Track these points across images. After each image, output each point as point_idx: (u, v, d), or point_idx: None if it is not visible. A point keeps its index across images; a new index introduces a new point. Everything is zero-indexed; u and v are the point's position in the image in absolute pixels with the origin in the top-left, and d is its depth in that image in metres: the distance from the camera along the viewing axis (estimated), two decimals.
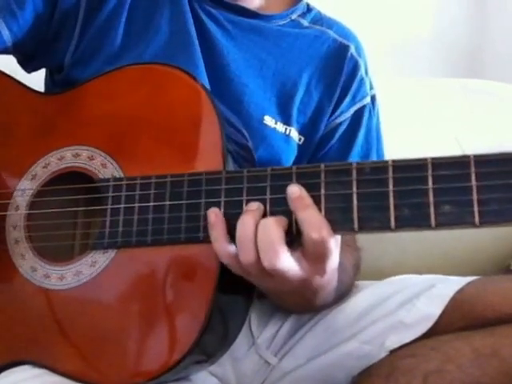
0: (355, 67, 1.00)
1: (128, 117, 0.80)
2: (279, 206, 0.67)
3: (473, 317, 0.82)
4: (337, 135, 0.99)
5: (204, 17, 0.93)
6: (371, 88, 1.03)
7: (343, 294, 0.88)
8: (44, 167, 0.82)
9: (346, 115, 0.99)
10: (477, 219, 0.60)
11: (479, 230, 0.61)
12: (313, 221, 0.65)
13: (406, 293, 0.88)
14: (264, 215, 0.67)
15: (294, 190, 0.66)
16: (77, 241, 0.85)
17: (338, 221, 0.65)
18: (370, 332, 0.87)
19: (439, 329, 0.83)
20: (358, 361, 0.86)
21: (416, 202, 0.62)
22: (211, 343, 0.74)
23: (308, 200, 0.66)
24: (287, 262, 0.66)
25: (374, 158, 1.01)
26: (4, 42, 0.88)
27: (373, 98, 1.03)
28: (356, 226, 0.64)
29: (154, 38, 0.91)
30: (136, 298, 0.74)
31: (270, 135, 0.93)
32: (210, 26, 0.93)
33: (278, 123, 0.94)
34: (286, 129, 0.95)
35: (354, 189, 0.65)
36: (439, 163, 0.62)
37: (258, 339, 0.92)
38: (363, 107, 1.01)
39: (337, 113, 0.98)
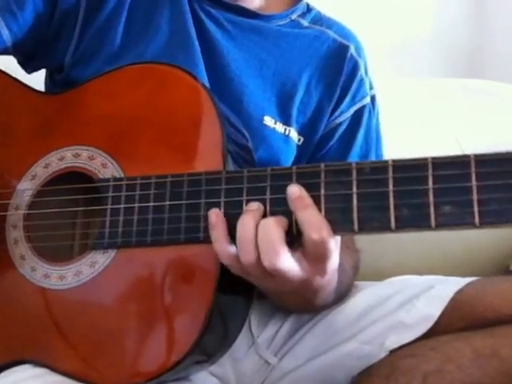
0: (355, 67, 1.00)
1: (128, 117, 0.80)
2: (279, 206, 0.67)
3: (472, 317, 0.82)
4: (336, 135, 0.99)
5: (204, 17, 0.93)
6: (371, 88, 1.03)
7: (343, 294, 0.88)
8: (44, 167, 0.82)
9: (345, 115, 0.99)
10: (477, 220, 0.60)
11: (479, 230, 0.61)
12: (313, 221, 0.65)
13: (405, 293, 0.88)
14: (264, 215, 0.67)
15: (294, 190, 0.66)
16: (76, 241, 0.85)
17: (338, 221, 0.65)
18: (369, 332, 0.87)
19: (439, 329, 0.83)
20: (358, 361, 0.86)
21: (416, 203, 0.62)
22: (211, 343, 0.74)
23: (308, 200, 0.65)
24: (288, 263, 0.66)
25: (373, 158, 1.01)
26: (4, 41, 0.88)
27: (372, 98, 1.03)
28: (356, 226, 0.64)
29: (153, 38, 0.91)
30: (136, 298, 0.74)
31: (270, 135, 0.93)
32: (210, 26, 0.93)
33: (278, 123, 0.94)
34: (285, 129, 0.95)
35: (354, 189, 0.65)
36: (439, 163, 0.62)
37: (258, 339, 0.92)
38: (363, 107, 1.01)
39: (336, 113, 0.98)
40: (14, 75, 0.90)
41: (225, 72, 0.93)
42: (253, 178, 0.69)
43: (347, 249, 0.87)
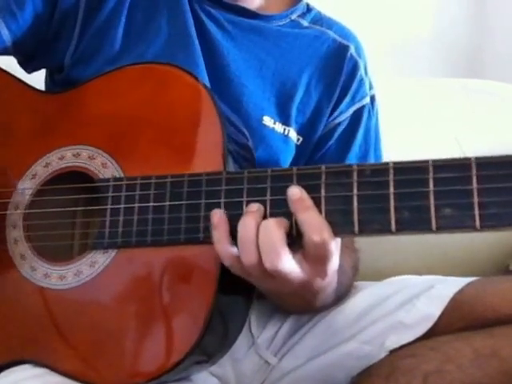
0: (355, 67, 1.00)
1: (128, 116, 0.80)
2: (279, 208, 0.67)
3: (472, 317, 0.82)
4: (335, 135, 0.99)
5: (204, 17, 0.93)
6: (371, 88, 1.03)
7: (342, 295, 0.88)
8: (44, 166, 0.82)
9: (345, 115, 0.99)
10: (477, 223, 0.59)
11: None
12: (313, 223, 0.65)
13: (405, 293, 0.88)
14: (264, 217, 0.67)
15: (295, 192, 0.66)
16: (76, 241, 0.85)
17: (339, 223, 0.65)
18: (369, 332, 0.87)
19: (439, 329, 0.83)
20: (358, 361, 0.86)
21: (417, 205, 0.62)
22: (211, 344, 0.74)
23: (308, 202, 0.65)
24: (289, 264, 0.66)
25: (372, 158, 1.01)
26: (4, 41, 0.88)
27: (372, 99, 1.03)
28: (356, 228, 0.64)
29: (154, 38, 0.91)
30: (136, 299, 0.74)
31: (269, 135, 0.93)
32: (210, 27, 0.93)
33: (277, 123, 0.94)
34: (284, 129, 0.95)
35: (355, 191, 0.65)
36: (440, 166, 0.62)
37: (258, 339, 0.92)
38: (362, 107, 1.01)
39: (336, 113, 0.98)
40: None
41: (224, 72, 0.93)
42: (253, 179, 0.69)
43: (346, 249, 0.87)
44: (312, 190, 0.66)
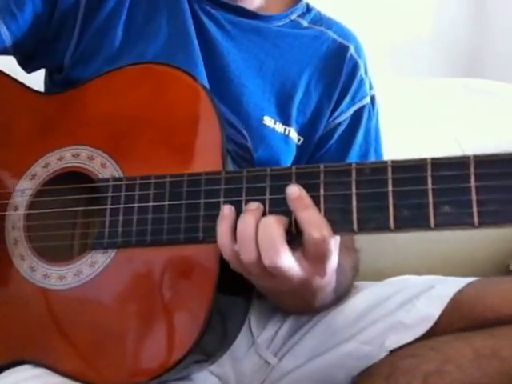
0: (355, 67, 1.00)
1: (128, 117, 0.80)
2: (279, 207, 0.67)
3: (472, 318, 0.82)
4: (336, 135, 0.99)
5: (204, 17, 0.93)
6: (371, 88, 1.03)
7: (341, 295, 0.88)
8: (44, 167, 0.82)
9: (345, 115, 0.99)
10: (476, 220, 0.60)
11: (478, 230, 0.61)
12: (313, 220, 0.65)
13: (405, 293, 0.88)
14: (263, 215, 0.67)
15: (294, 191, 0.66)
16: (76, 241, 0.85)
17: (338, 221, 0.65)
18: (369, 332, 0.87)
19: (439, 329, 0.83)
20: (358, 361, 0.86)
21: (415, 203, 0.62)
22: (211, 343, 0.74)
23: (308, 200, 0.66)
24: (288, 261, 0.66)
25: (372, 158, 1.01)
26: (3, 42, 0.88)
27: (372, 99, 1.03)
28: (355, 226, 0.64)
29: (153, 38, 0.91)
30: (136, 298, 0.74)
31: (269, 135, 0.93)
32: (210, 27, 0.93)
33: (278, 123, 0.94)
34: (285, 129, 0.95)
35: (354, 189, 0.65)
36: (439, 163, 0.62)
37: (258, 339, 0.92)
38: (362, 107, 1.01)
39: (336, 113, 0.98)
40: (13, 75, 0.90)
41: (224, 72, 0.93)
42: (252, 178, 0.69)
43: (346, 249, 0.87)
44: (311, 188, 0.66)
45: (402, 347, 0.84)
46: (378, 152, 1.02)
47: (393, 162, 0.64)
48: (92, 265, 0.76)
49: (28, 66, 0.96)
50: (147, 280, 0.74)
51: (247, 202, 0.68)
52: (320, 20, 1.02)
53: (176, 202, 0.72)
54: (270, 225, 0.65)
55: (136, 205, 0.74)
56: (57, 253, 0.80)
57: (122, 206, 0.75)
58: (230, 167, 0.74)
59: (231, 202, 0.69)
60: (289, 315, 0.92)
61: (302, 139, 0.97)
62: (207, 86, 0.85)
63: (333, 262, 0.68)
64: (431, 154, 0.63)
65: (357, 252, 0.96)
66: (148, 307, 0.73)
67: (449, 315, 0.84)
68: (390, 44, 1.70)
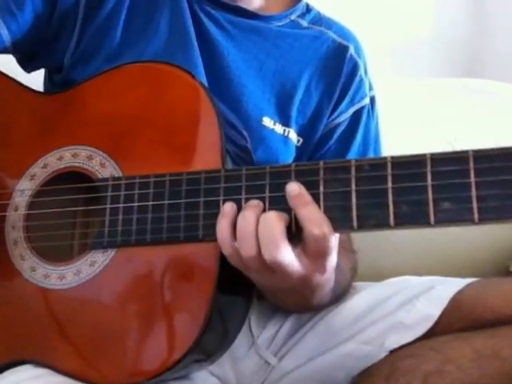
0: (354, 68, 1.00)
1: (127, 116, 0.80)
2: (278, 204, 0.67)
3: (472, 318, 0.82)
4: (335, 136, 0.99)
5: (203, 17, 0.93)
6: (370, 89, 1.03)
7: (340, 295, 0.88)
8: (43, 167, 0.82)
9: (344, 116, 0.99)
10: (476, 216, 0.59)
11: (478, 231, 0.61)
12: (313, 217, 0.65)
13: (405, 294, 0.88)
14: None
15: (294, 188, 0.66)
16: (76, 240, 0.84)
17: (337, 219, 0.65)
18: (369, 332, 0.87)
19: (439, 330, 0.83)
20: (358, 361, 0.86)
21: (415, 199, 0.62)
22: (211, 343, 0.74)
23: (307, 197, 0.66)
24: (288, 256, 0.66)
25: None
26: (3, 41, 0.88)
27: (372, 99, 1.03)
28: (355, 223, 0.64)
29: (153, 38, 0.91)
30: (136, 297, 0.75)
31: (269, 136, 0.93)
32: (210, 27, 0.93)
33: (277, 124, 0.94)
34: (284, 130, 0.95)
35: (353, 186, 0.65)
36: (438, 159, 0.62)
37: (258, 339, 0.92)
38: (362, 108, 1.01)
39: (336, 113, 0.98)
40: (13, 75, 0.90)
41: (224, 72, 0.93)
42: (252, 176, 0.69)
43: (344, 250, 0.87)
44: (310, 186, 0.66)
45: (401, 347, 0.84)
46: (377, 152, 1.02)
47: (392, 158, 0.64)
48: (92, 264, 0.76)
49: (28, 65, 0.96)
50: (147, 279, 0.74)
51: (247, 200, 0.68)
52: (320, 20, 1.02)
53: (175, 201, 0.72)
54: (271, 220, 0.65)
55: (135, 204, 0.74)
56: (57, 253, 0.80)
57: (121, 205, 0.75)
58: (230, 167, 0.74)
59: (231, 201, 0.69)
60: (289, 315, 0.92)
61: (301, 140, 0.96)
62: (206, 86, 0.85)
63: (333, 258, 0.68)
64: None
65: (355, 253, 0.96)
66: (148, 306, 0.73)
67: (449, 315, 0.84)
68: (390, 44, 1.70)
